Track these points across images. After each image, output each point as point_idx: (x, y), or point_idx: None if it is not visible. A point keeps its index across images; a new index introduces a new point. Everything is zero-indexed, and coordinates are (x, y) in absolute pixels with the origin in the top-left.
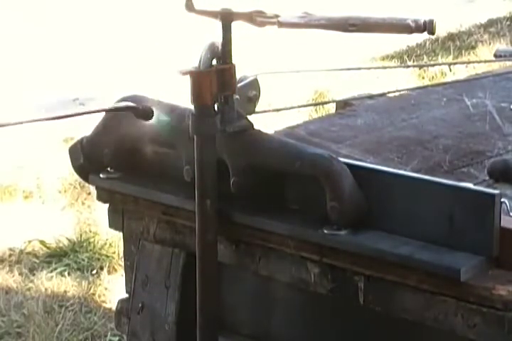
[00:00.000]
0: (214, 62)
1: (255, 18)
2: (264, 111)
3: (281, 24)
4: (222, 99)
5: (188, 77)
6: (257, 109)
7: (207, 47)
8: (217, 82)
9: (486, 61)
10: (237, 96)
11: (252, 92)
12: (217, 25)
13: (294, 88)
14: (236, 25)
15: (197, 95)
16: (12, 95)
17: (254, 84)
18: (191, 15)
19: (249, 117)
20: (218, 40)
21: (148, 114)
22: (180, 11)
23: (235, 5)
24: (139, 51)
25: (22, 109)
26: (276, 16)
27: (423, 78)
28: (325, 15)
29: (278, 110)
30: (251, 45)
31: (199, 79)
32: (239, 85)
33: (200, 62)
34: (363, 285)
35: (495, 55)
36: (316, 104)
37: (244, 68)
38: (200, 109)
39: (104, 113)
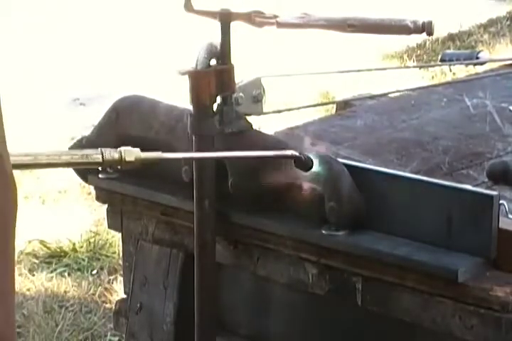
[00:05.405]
0: (213, 62)
1: (254, 18)
2: (268, 113)
3: (280, 24)
4: (220, 100)
5: (187, 77)
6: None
7: (204, 48)
8: (216, 82)
9: (485, 61)
10: (240, 95)
11: (256, 91)
12: (217, 25)
13: (294, 88)
14: (235, 26)
15: (195, 95)
16: (12, 95)
17: (256, 83)
18: (190, 15)
19: (248, 118)
20: (216, 41)
21: (308, 164)
22: (179, 11)
23: (234, 5)
24: (138, 51)
25: (23, 110)
26: (275, 17)
27: (423, 78)
28: (324, 16)
29: (280, 111)
30: (251, 45)
31: (198, 79)
32: (241, 84)
33: (196, 62)
34: (361, 286)
35: (441, 60)
36: (316, 105)
37: (244, 69)
38: (199, 110)
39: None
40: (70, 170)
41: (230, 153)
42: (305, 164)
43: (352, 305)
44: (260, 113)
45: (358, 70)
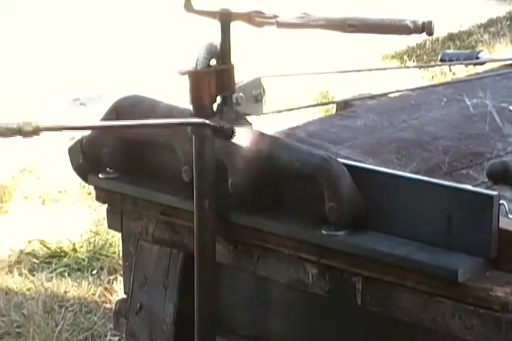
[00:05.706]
0: (213, 62)
1: (254, 18)
2: (268, 113)
3: (279, 24)
4: (220, 100)
5: (187, 77)
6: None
7: (204, 48)
8: (216, 82)
9: (485, 61)
10: (240, 95)
11: (256, 91)
12: (217, 25)
13: (294, 88)
14: (235, 26)
15: (195, 95)
16: (12, 95)
17: (256, 83)
18: (190, 15)
19: (248, 118)
20: (216, 41)
21: (229, 134)
22: (179, 11)
23: (234, 5)
24: (138, 51)
25: (23, 110)
26: (275, 17)
27: (423, 78)
28: (324, 16)
29: (280, 111)
30: (251, 45)
31: (198, 79)
32: (241, 84)
33: (196, 62)
34: (361, 286)
35: (441, 60)
36: (316, 105)
37: (244, 69)
38: (199, 110)
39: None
40: (70, 170)
41: (128, 122)
42: (223, 132)
43: (352, 305)
44: (260, 113)
45: (358, 70)
